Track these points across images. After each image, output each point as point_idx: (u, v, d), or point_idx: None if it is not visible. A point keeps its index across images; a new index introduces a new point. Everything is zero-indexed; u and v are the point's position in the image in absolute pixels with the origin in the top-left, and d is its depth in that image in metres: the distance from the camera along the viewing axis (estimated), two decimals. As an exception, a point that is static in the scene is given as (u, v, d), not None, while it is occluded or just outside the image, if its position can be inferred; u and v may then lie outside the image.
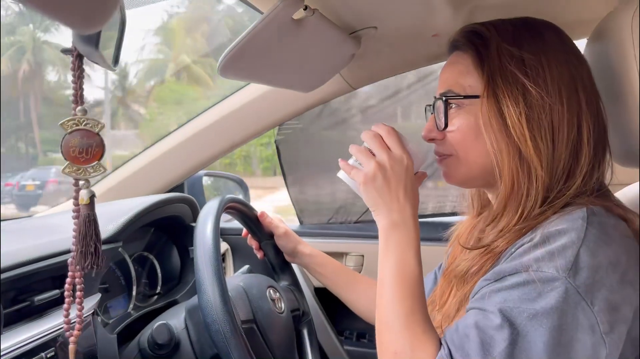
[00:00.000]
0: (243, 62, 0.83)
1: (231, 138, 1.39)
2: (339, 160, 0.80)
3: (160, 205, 1.11)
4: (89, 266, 0.56)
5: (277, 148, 1.55)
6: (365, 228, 1.58)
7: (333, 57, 1.05)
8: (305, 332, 1.15)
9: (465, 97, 0.74)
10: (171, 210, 1.18)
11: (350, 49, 1.04)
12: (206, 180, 1.66)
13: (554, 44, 0.73)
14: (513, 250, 0.66)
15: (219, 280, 0.83)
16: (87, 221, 0.57)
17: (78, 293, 0.57)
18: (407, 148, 0.76)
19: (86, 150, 0.57)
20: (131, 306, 1.13)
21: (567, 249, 0.61)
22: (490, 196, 0.82)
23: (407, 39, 1.09)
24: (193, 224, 1.30)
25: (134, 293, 1.15)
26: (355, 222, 1.60)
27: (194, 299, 0.97)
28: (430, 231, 1.49)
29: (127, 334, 1.01)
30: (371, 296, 1.11)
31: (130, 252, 1.15)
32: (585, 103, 0.70)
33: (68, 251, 0.83)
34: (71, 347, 0.59)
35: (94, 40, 0.49)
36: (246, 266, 1.35)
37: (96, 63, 0.60)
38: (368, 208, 1.54)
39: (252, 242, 1.16)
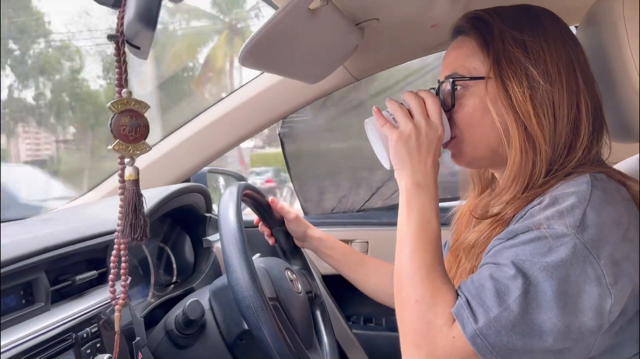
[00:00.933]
0: (262, 52, 0.88)
1: (237, 132, 1.44)
2: (374, 108, 0.82)
3: (177, 194, 1.15)
4: (138, 238, 0.60)
5: (281, 140, 1.60)
6: (368, 216, 1.63)
7: (339, 48, 1.10)
8: (318, 313, 1.19)
9: (471, 78, 0.79)
10: (186, 200, 1.22)
11: (355, 40, 1.09)
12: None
13: (552, 28, 0.79)
14: (523, 213, 0.71)
15: (246, 258, 0.87)
16: (135, 196, 0.61)
17: (123, 264, 0.61)
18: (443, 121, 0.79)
19: (135, 129, 0.61)
20: (150, 294, 1.17)
21: (575, 208, 0.66)
22: (497, 174, 0.88)
23: (408, 29, 1.15)
24: (207, 214, 1.34)
25: (152, 281, 1.19)
26: (358, 211, 1.65)
27: (218, 282, 1.01)
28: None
29: (147, 321, 1.05)
30: (379, 276, 1.16)
31: (148, 242, 1.19)
32: (582, 82, 0.76)
33: (103, 234, 0.87)
34: (117, 315, 0.63)
35: (147, 21, 0.54)
36: (257, 254, 1.39)
37: (135, 47, 0.64)
38: (370, 197, 1.61)
39: (263, 229, 1.21)
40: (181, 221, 1.30)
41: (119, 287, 0.65)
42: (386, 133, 0.79)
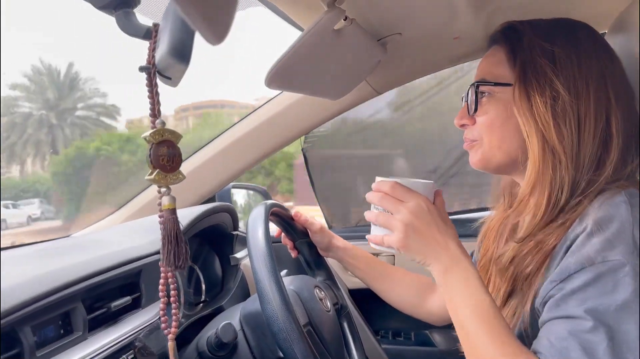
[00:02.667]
0: (288, 73, 0.88)
1: (261, 149, 1.44)
2: (367, 236, 0.80)
3: (206, 215, 1.15)
4: (180, 266, 0.60)
5: (305, 156, 1.60)
6: (393, 229, 1.62)
7: (362, 64, 1.10)
8: (346, 325, 1.18)
9: (496, 84, 0.81)
10: (214, 219, 1.23)
11: (378, 55, 1.09)
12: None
13: (586, 42, 0.78)
14: (568, 243, 0.69)
15: (280, 289, 0.86)
16: (176, 226, 0.61)
17: (172, 292, 0.61)
18: (415, 189, 0.76)
19: (172, 159, 0.61)
20: (180, 314, 1.18)
21: (622, 233, 0.64)
22: (520, 182, 0.87)
23: (430, 43, 1.14)
24: (234, 232, 1.35)
25: (181, 301, 1.19)
26: (383, 223, 1.64)
27: (249, 306, 1.01)
28: (458, 227, 1.53)
29: (179, 341, 1.05)
30: (404, 286, 1.15)
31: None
32: (614, 98, 0.75)
33: (136, 260, 0.88)
34: (170, 344, 0.63)
35: (181, 56, 0.54)
36: (284, 271, 1.39)
37: (166, 78, 0.64)
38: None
39: (286, 242, 1.20)
40: (209, 240, 1.31)
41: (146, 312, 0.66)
42: (391, 246, 0.76)
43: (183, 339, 1.05)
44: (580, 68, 0.75)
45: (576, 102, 0.74)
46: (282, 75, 0.88)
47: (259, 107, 1.42)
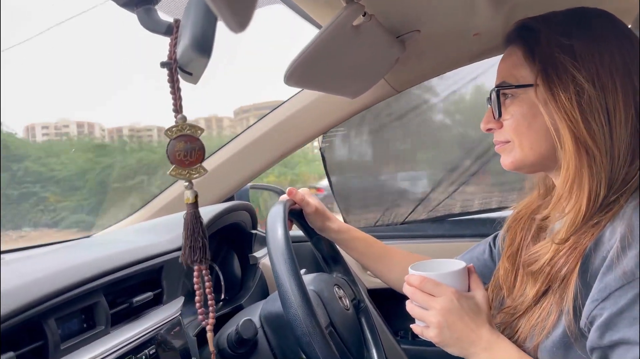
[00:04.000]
0: (306, 70, 0.88)
1: (280, 149, 1.45)
2: (411, 326, 0.83)
3: (226, 213, 1.16)
4: (198, 260, 0.61)
5: (322, 155, 1.60)
6: (412, 229, 1.61)
7: (380, 62, 1.10)
8: (364, 321, 1.17)
9: (517, 86, 0.79)
10: (233, 218, 1.24)
11: (396, 53, 1.09)
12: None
13: (606, 30, 0.76)
14: (603, 251, 0.69)
15: (302, 292, 0.86)
16: (194, 219, 0.62)
17: (207, 284, 0.62)
18: (443, 279, 0.80)
19: (190, 153, 0.62)
20: (203, 322, 1.18)
21: None
22: (555, 181, 0.86)
23: (449, 39, 1.14)
24: (253, 231, 1.35)
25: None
26: (402, 223, 1.63)
27: (270, 307, 1.01)
28: (478, 227, 1.52)
29: (199, 339, 1.06)
30: (403, 267, 1.14)
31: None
32: None
33: (157, 256, 0.89)
34: (209, 335, 0.64)
35: (203, 49, 0.54)
36: (303, 270, 1.39)
37: (187, 74, 0.65)
38: (414, 209, 1.59)
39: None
40: (228, 239, 1.31)
41: (174, 307, 0.66)
42: (431, 340, 0.80)
43: (203, 338, 1.05)
44: (602, 59, 0.74)
45: (602, 95, 0.72)
46: (300, 72, 0.88)
47: (276, 108, 1.43)
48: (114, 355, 0.72)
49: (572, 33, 0.76)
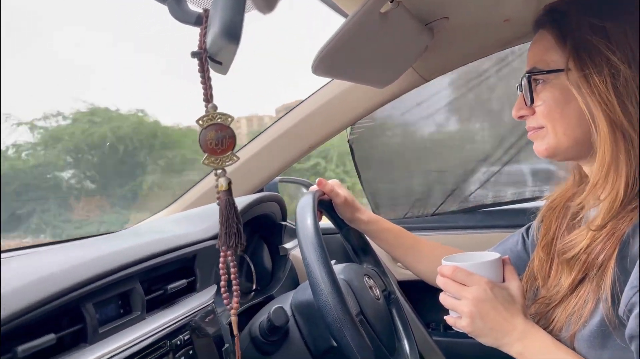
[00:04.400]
0: (334, 59, 0.88)
1: (308, 141, 1.45)
2: (445, 317, 0.83)
3: (256, 203, 1.17)
4: (234, 245, 0.62)
5: (351, 147, 1.60)
6: (443, 220, 1.59)
7: (409, 50, 1.09)
8: (395, 312, 1.17)
9: (549, 71, 0.78)
10: (263, 209, 1.25)
11: (424, 41, 1.08)
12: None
13: (638, 9, 0.74)
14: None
15: (332, 280, 0.86)
16: (228, 206, 0.63)
17: (232, 270, 0.63)
18: (476, 269, 0.79)
19: (221, 142, 0.63)
20: (228, 307, 1.20)
21: None
22: (585, 168, 0.84)
23: (478, 26, 1.12)
24: (283, 222, 1.36)
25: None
26: (432, 214, 1.62)
27: (300, 296, 1.02)
28: (511, 218, 1.49)
29: (231, 327, 1.07)
30: (433, 259, 1.12)
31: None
32: None
33: (190, 245, 0.90)
34: (233, 319, 0.65)
35: (232, 36, 0.55)
36: (333, 261, 1.40)
37: (217, 63, 0.66)
38: (445, 200, 1.57)
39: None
40: (259, 230, 1.33)
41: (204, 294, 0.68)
42: (464, 330, 0.79)
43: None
44: (635, 38, 0.72)
45: (637, 76, 0.71)
46: (328, 62, 0.88)
47: (304, 100, 1.43)
48: (150, 340, 0.73)
49: (603, 14, 0.74)
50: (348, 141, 1.60)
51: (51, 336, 0.61)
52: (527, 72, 0.80)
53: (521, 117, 0.84)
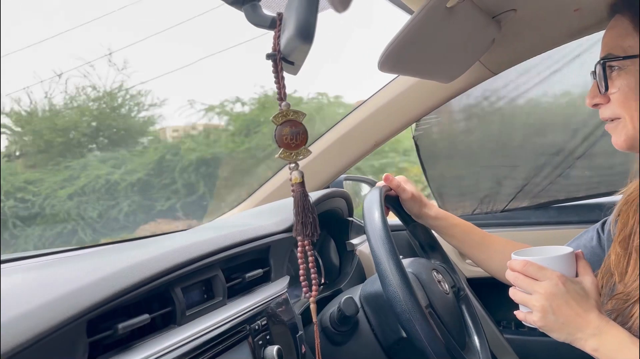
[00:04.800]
0: (400, 55, 0.90)
1: (373, 138, 1.47)
2: (515, 312, 0.82)
3: (323, 199, 1.21)
4: (309, 234, 0.65)
5: (416, 144, 1.60)
6: (513, 216, 1.56)
7: (476, 43, 1.08)
8: (464, 309, 1.17)
9: (625, 57, 0.76)
10: (330, 204, 1.29)
11: (492, 34, 1.07)
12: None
13: None
14: None
15: (401, 270, 0.88)
16: (303, 197, 0.67)
17: (310, 258, 0.66)
18: (548, 263, 0.77)
19: (295, 137, 0.67)
20: (307, 295, 1.24)
21: None
22: None
23: (547, 17, 1.10)
24: (349, 218, 1.40)
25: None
26: (502, 211, 1.59)
27: (368, 287, 1.04)
28: (586, 213, 1.44)
29: (303, 317, 1.11)
30: (504, 255, 1.10)
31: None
32: None
33: (265, 237, 0.96)
34: (312, 306, 0.69)
35: (305, 37, 0.59)
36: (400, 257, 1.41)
37: (290, 63, 0.70)
38: (515, 196, 1.54)
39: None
40: (326, 226, 1.37)
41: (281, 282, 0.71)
42: (536, 326, 0.78)
43: (307, 316, 1.11)
44: None
45: None
46: (393, 58, 0.90)
47: (368, 98, 1.46)
48: (231, 323, 0.79)
49: None
50: (413, 137, 1.60)
51: (146, 316, 0.67)
52: (602, 59, 0.79)
53: (595, 105, 0.82)
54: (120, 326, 0.63)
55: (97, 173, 7.71)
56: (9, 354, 0.50)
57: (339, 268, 1.39)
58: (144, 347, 0.66)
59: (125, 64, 9.15)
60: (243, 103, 8.13)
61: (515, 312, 0.81)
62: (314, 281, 0.67)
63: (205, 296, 0.81)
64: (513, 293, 0.80)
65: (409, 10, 1.06)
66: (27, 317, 0.54)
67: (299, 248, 0.65)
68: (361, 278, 1.41)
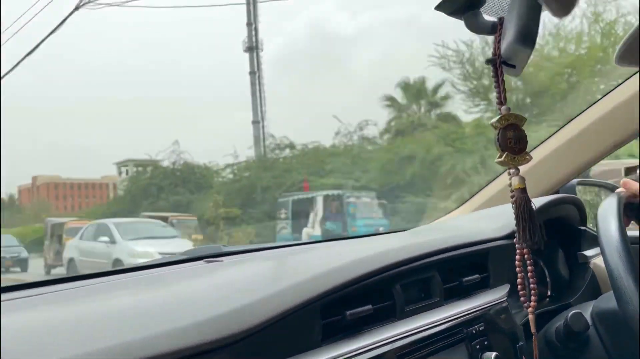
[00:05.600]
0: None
1: (612, 139, 1.32)
2: None
3: (550, 206, 1.14)
4: (535, 242, 0.64)
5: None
6: None
7: None
8: None
9: None
10: (558, 211, 1.20)
11: None
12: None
13: None
14: None
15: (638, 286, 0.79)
16: (524, 203, 0.65)
17: (529, 268, 0.65)
18: None
19: (518, 141, 0.66)
20: (525, 304, 1.19)
21: None
22: None
23: None
24: (581, 227, 1.28)
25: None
26: None
27: (602, 304, 0.95)
28: None
29: (525, 329, 1.06)
30: None
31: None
32: None
33: (484, 242, 0.95)
34: (530, 317, 0.68)
35: (527, 41, 0.58)
36: None
37: (511, 66, 0.69)
38: None
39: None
40: (553, 234, 1.27)
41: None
42: None
43: (529, 330, 1.06)
44: None
45: None
46: (634, 51, 0.80)
47: (604, 95, 1.31)
48: (448, 324, 0.81)
49: None
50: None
51: (369, 307, 0.74)
52: None
53: None
54: (349, 313, 0.71)
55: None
56: (263, 325, 0.61)
57: (568, 281, 1.28)
58: (368, 335, 0.73)
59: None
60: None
61: None
62: (532, 292, 0.65)
63: (423, 295, 0.85)
64: None
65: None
66: (277, 296, 0.65)
67: (517, 256, 0.64)
68: (595, 294, 1.28)
